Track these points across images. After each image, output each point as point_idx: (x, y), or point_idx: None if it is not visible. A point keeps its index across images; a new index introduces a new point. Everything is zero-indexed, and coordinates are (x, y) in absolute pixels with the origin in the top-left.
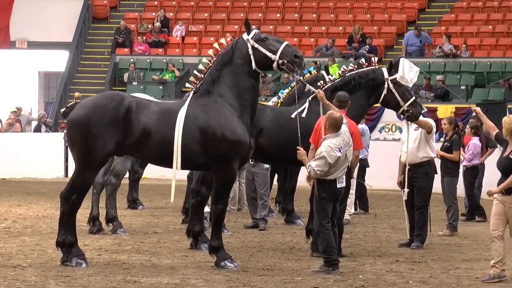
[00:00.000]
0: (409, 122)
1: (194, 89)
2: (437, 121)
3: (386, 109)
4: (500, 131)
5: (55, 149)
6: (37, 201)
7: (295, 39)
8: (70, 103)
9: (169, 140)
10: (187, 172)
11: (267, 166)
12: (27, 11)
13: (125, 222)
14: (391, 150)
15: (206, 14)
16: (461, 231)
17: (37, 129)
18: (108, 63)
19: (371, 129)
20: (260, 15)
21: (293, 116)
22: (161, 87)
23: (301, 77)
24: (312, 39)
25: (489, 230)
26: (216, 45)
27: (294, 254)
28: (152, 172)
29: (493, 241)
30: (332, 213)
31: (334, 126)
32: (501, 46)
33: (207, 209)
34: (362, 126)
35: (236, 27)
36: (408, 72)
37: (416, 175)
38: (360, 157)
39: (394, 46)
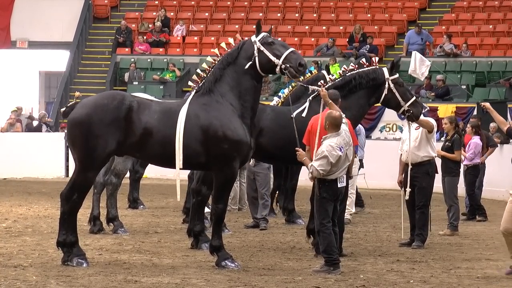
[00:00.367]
0: (410, 121)
1: (196, 88)
2: (438, 120)
3: (386, 108)
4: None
5: (56, 149)
6: (38, 201)
7: (296, 39)
8: (71, 103)
9: (171, 139)
10: (188, 171)
11: (268, 165)
12: (27, 11)
13: (126, 222)
14: (391, 149)
15: (206, 14)
16: (462, 231)
17: (38, 129)
18: (109, 62)
19: (372, 128)
20: (260, 14)
21: (293, 115)
22: (161, 87)
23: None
24: (312, 39)
25: (490, 230)
26: (223, 44)
27: (295, 254)
28: (153, 171)
29: (504, 235)
30: (332, 212)
31: (334, 125)
32: (501, 45)
33: (207, 209)
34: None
35: (236, 26)
36: (420, 65)
37: (417, 175)
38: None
39: (395, 46)
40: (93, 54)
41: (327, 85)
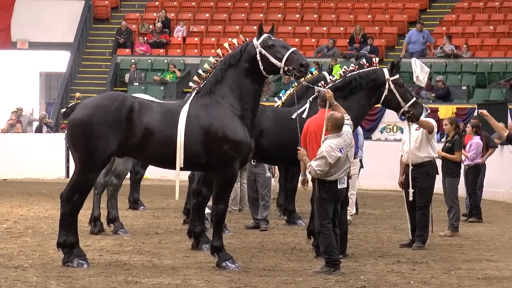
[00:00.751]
0: (410, 122)
1: (197, 88)
2: (439, 121)
3: (387, 109)
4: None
5: (56, 150)
6: (38, 202)
7: (296, 40)
8: (71, 103)
9: (172, 140)
10: (188, 172)
11: (268, 166)
12: (28, 11)
13: (126, 222)
14: (392, 150)
15: (207, 15)
16: (463, 232)
17: (38, 130)
18: (109, 63)
19: (372, 129)
20: (261, 15)
21: (293, 116)
22: (162, 88)
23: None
24: (313, 40)
25: (490, 231)
26: (226, 44)
27: (295, 255)
28: (153, 172)
29: None
30: (333, 213)
31: (336, 127)
32: (502, 46)
33: (207, 210)
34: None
35: (237, 27)
36: (421, 72)
37: (418, 176)
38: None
39: (395, 47)
40: (93, 55)
41: (328, 86)
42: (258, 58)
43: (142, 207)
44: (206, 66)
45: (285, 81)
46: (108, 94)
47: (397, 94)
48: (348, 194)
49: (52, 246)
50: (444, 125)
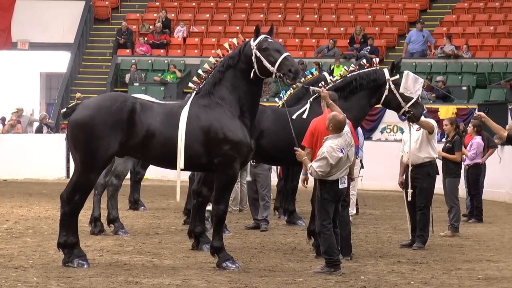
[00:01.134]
0: (410, 122)
1: (196, 89)
2: (439, 121)
3: (387, 110)
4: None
5: (57, 150)
6: (38, 202)
7: (297, 40)
8: (71, 104)
9: (173, 140)
10: (189, 172)
11: (268, 167)
12: (28, 12)
13: (126, 223)
14: (392, 150)
15: (207, 15)
16: (463, 232)
17: (39, 130)
18: (110, 64)
19: (373, 130)
20: (261, 16)
21: (294, 117)
22: (162, 88)
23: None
24: (313, 40)
25: (491, 231)
26: (226, 44)
27: (295, 255)
28: (153, 173)
29: None
30: (333, 213)
31: (338, 128)
32: (502, 47)
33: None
34: None
35: (237, 27)
36: (414, 84)
37: (418, 176)
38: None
39: (396, 47)
40: (93, 55)
41: (328, 86)
42: (254, 60)
43: (142, 207)
44: (206, 66)
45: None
46: (109, 95)
47: (397, 95)
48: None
49: (53, 246)
50: (444, 125)
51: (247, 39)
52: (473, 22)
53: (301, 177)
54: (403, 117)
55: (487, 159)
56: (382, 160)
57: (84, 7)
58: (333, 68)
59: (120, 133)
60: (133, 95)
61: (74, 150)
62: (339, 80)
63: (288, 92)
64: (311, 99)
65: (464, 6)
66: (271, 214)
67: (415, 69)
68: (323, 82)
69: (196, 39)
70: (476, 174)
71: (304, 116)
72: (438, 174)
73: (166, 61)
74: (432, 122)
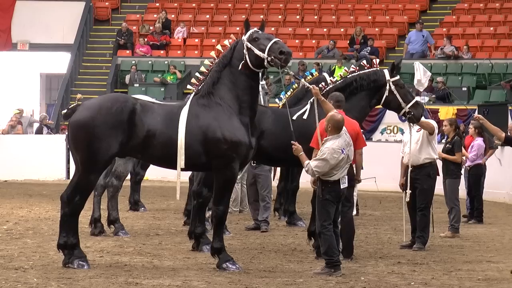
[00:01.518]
0: (411, 123)
1: (195, 90)
2: (439, 122)
3: (387, 110)
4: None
5: (57, 151)
6: (38, 203)
7: (297, 41)
8: (72, 105)
9: (173, 140)
10: (189, 173)
11: (268, 167)
12: (28, 13)
13: (126, 224)
14: (392, 151)
15: (207, 16)
16: (463, 233)
17: (39, 131)
18: (110, 65)
19: (373, 130)
20: (261, 16)
21: (294, 117)
22: (162, 89)
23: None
24: (313, 41)
25: (491, 232)
26: (219, 46)
27: (296, 256)
28: (153, 174)
29: None
30: (334, 214)
31: (336, 128)
32: (502, 47)
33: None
34: None
35: (237, 28)
36: (423, 76)
37: (418, 177)
38: None
39: (396, 48)
40: (94, 56)
41: (329, 87)
42: (245, 52)
43: (142, 208)
44: (202, 68)
45: (285, 83)
46: (110, 96)
47: (397, 95)
48: None
49: (53, 247)
50: (444, 126)
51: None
52: (473, 23)
53: (311, 179)
54: (404, 118)
55: (487, 160)
56: (382, 161)
57: (84, 8)
58: (334, 69)
59: (120, 133)
60: (133, 96)
61: (74, 151)
62: (339, 81)
63: (288, 93)
64: (311, 100)
65: (464, 7)
66: (271, 215)
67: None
68: (323, 83)
69: (196, 40)
70: (477, 175)
71: (305, 117)
72: (439, 175)
73: (166, 62)
74: (433, 122)
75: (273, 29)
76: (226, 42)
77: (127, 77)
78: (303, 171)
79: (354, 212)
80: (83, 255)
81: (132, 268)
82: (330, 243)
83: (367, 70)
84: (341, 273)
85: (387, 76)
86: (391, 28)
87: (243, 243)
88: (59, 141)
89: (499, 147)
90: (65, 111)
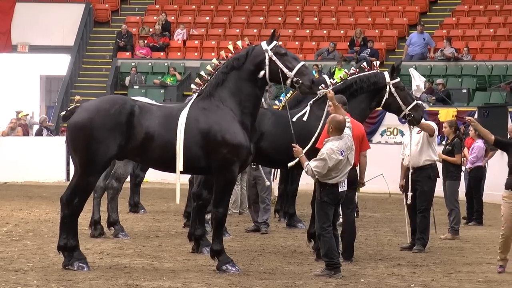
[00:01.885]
0: (411, 125)
1: (198, 91)
2: (439, 124)
3: (387, 112)
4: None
5: (57, 153)
6: (38, 205)
7: (297, 43)
8: (71, 107)
9: (172, 143)
10: (189, 175)
11: (269, 169)
12: (28, 15)
13: (126, 226)
14: (392, 153)
15: (207, 18)
16: (463, 235)
17: (39, 133)
18: (110, 67)
19: (373, 132)
20: (261, 18)
21: (294, 119)
22: (162, 91)
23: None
24: (313, 43)
25: (491, 234)
26: (231, 47)
27: (295, 258)
28: (153, 176)
29: None
30: (333, 216)
31: (338, 129)
32: (502, 49)
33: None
34: None
35: (237, 30)
36: (420, 81)
37: (419, 179)
38: None
39: (396, 50)
40: (93, 58)
41: (328, 89)
42: (267, 63)
43: (142, 210)
44: (208, 67)
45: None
46: (108, 98)
47: (398, 98)
48: None
49: (53, 249)
50: (444, 128)
51: (250, 42)
52: (473, 25)
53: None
54: (404, 120)
55: (487, 162)
56: (382, 163)
57: (84, 10)
58: (334, 71)
59: (118, 136)
60: (133, 98)
61: (73, 152)
62: (339, 83)
63: (288, 95)
64: (311, 102)
65: (464, 9)
66: (271, 216)
67: None
68: (323, 85)
69: (196, 42)
70: (478, 177)
71: (304, 118)
72: (439, 177)
73: (166, 64)
74: (433, 124)
75: (272, 31)
76: (239, 43)
77: (127, 79)
78: (303, 173)
79: (354, 214)
80: (83, 257)
81: (132, 270)
82: (330, 245)
83: (367, 72)
84: (341, 275)
85: (387, 79)
86: (391, 30)
87: (243, 245)
88: (59, 143)
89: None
90: (64, 113)
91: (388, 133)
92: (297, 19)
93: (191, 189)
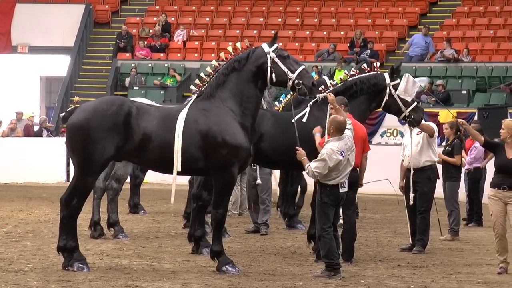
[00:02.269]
0: (411, 126)
1: (198, 92)
2: (439, 125)
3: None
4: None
5: (57, 154)
6: (38, 206)
7: (297, 44)
8: (70, 108)
9: (169, 144)
10: (189, 176)
11: (269, 170)
12: (28, 16)
13: (126, 227)
14: (392, 154)
15: (207, 19)
16: (463, 236)
17: (39, 134)
18: (110, 67)
19: (373, 133)
20: (261, 19)
21: (293, 120)
22: (162, 92)
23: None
24: (313, 44)
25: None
26: (230, 48)
27: (295, 259)
28: (153, 177)
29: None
30: (333, 217)
31: (338, 130)
32: (502, 50)
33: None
34: None
35: (237, 31)
36: (412, 87)
37: (419, 180)
38: None
39: (396, 51)
40: (93, 59)
41: (328, 90)
42: (269, 64)
43: (142, 211)
44: (208, 69)
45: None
46: (107, 98)
47: (398, 99)
48: None
49: (52, 250)
50: (445, 129)
51: (250, 44)
52: (473, 26)
53: None
54: (404, 121)
55: (487, 163)
56: (382, 164)
57: (84, 11)
58: (334, 72)
59: (116, 136)
60: (132, 98)
61: (71, 153)
62: (339, 84)
63: (288, 96)
64: (310, 103)
65: (464, 10)
66: (275, 213)
67: (415, 73)
68: (323, 86)
69: (196, 43)
70: (476, 178)
71: (304, 119)
72: (439, 178)
73: (166, 65)
74: (433, 125)
75: (272, 32)
76: (238, 44)
77: (127, 80)
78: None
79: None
80: (83, 258)
81: (131, 271)
82: (330, 246)
83: (367, 74)
84: (341, 276)
85: (387, 80)
86: (391, 31)
87: (242, 246)
88: (59, 143)
89: None
90: (63, 114)
91: (388, 134)
92: (297, 20)
93: (191, 190)
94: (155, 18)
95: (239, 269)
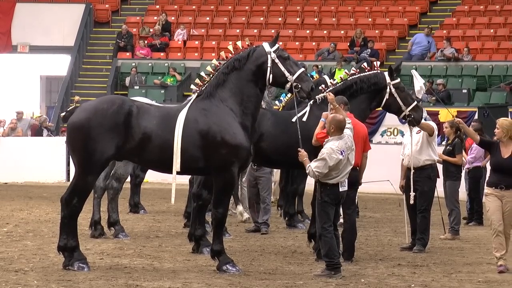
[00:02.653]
0: (411, 126)
1: (198, 91)
2: (439, 124)
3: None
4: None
5: (57, 153)
6: (39, 205)
7: (297, 43)
8: (70, 107)
9: (169, 144)
10: (189, 176)
11: (269, 169)
12: (28, 15)
13: (127, 226)
14: (392, 153)
15: (207, 18)
16: (463, 235)
17: (39, 133)
18: (110, 67)
19: (373, 132)
20: (261, 19)
21: (294, 120)
22: (162, 91)
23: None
24: (313, 43)
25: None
26: (230, 47)
27: (296, 258)
28: (153, 176)
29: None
30: (334, 216)
31: (338, 128)
32: (502, 49)
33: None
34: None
35: (237, 31)
36: (422, 83)
37: (419, 179)
38: None
39: (396, 50)
40: (94, 58)
41: (328, 89)
42: (269, 64)
43: (142, 210)
44: (208, 68)
45: None
46: (107, 98)
47: (398, 98)
48: None
49: (53, 249)
50: (445, 128)
51: (250, 43)
52: (473, 25)
53: None
54: (404, 121)
55: (487, 163)
56: (382, 163)
57: (84, 10)
58: (335, 71)
59: (116, 136)
60: (132, 98)
61: (72, 152)
62: (339, 84)
63: (288, 95)
64: (310, 102)
65: (465, 9)
66: (276, 212)
67: None
68: (323, 85)
69: (196, 42)
70: (476, 177)
71: (304, 119)
72: (439, 177)
73: (166, 64)
74: (432, 124)
75: (273, 31)
76: (239, 43)
77: (127, 80)
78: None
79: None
80: (83, 257)
81: (132, 270)
82: (331, 245)
83: (367, 73)
84: (341, 275)
85: (388, 79)
86: (391, 30)
87: (243, 245)
88: (59, 143)
89: None
90: (63, 113)
91: (388, 133)
92: (297, 19)
93: (191, 189)
94: (155, 18)
95: (239, 269)
